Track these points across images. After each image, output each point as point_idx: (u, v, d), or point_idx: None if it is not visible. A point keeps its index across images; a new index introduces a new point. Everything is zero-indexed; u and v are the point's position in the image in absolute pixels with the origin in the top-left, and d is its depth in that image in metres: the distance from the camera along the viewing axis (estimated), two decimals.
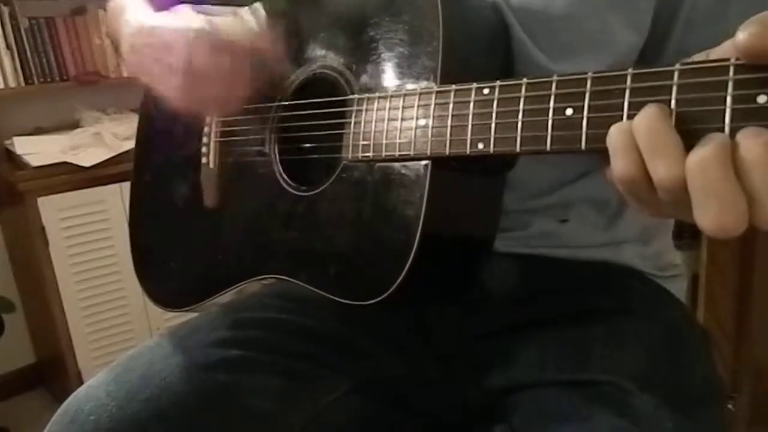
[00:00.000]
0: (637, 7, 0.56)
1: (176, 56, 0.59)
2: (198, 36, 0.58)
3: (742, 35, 0.32)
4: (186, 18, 0.61)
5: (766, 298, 1.34)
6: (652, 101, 0.36)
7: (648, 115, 0.35)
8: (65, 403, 0.58)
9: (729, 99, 0.34)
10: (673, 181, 0.34)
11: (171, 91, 0.61)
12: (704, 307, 1.37)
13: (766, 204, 0.32)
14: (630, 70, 0.38)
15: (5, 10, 2.00)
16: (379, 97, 0.54)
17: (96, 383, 0.59)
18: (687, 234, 1.46)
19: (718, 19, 0.36)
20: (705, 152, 0.33)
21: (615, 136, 0.37)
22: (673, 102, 0.36)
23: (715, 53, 0.36)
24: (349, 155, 0.56)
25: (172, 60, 0.59)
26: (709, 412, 0.56)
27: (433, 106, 0.49)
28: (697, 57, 0.37)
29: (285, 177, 0.64)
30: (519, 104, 0.43)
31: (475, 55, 0.55)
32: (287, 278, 0.61)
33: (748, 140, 0.32)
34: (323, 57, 0.62)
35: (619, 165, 0.36)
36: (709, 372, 0.60)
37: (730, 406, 1.32)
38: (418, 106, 0.50)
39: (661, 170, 0.35)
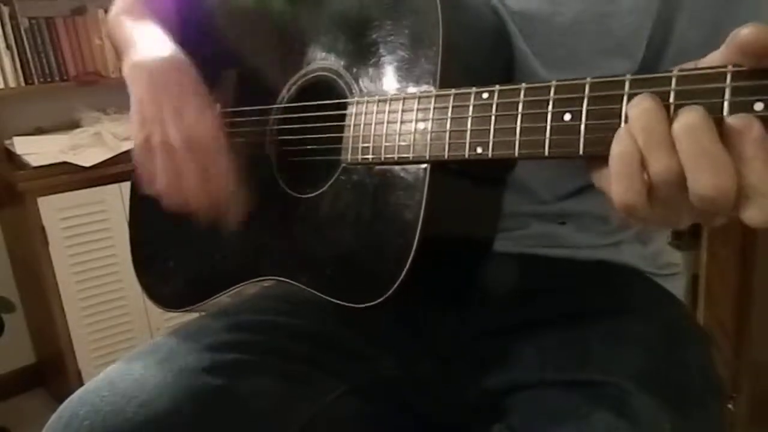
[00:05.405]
0: (630, 34, 0.56)
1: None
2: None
3: (745, 31, 0.32)
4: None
5: (766, 298, 1.34)
6: None
7: (643, 110, 0.36)
8: (60, 408, 0.58)
9: (726, 105, 0.34)
10: (666, 173, 0.35)
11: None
12: (704, 307, 1.37)
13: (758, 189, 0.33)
14: (628, 76, 0.38)
15: (5, 10, 1.99)
16: (379, 100, 0.54)
17: (91, 388, 0.59)
18: (687, 233, 1.46)
19: (708, 50, 0.37)
20: (692, 119, 0.34)
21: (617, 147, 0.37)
22: (671, 108, 0.36)
23: (704, 63, 0.36)
24: (348, 157, 0.56)
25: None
26: (708, 412, 0.56)
27: (432, 109, 0.49)
28: (686, 66, 0.37)
29: (284, 179, 0.64)
30: (518, 109, 0.43)
31: (475, 59, 0.55)
32: (286, 280, 0.61)
33: (739, 120, 0.33)
34: (323, 59, 0.62)
35: (617, 153, 0.37)
36: (709, 372, 0.59)
37: (730, 406, 1.32)
38: (418, 109, 0.50)
39: (654, 162, 0.35)
